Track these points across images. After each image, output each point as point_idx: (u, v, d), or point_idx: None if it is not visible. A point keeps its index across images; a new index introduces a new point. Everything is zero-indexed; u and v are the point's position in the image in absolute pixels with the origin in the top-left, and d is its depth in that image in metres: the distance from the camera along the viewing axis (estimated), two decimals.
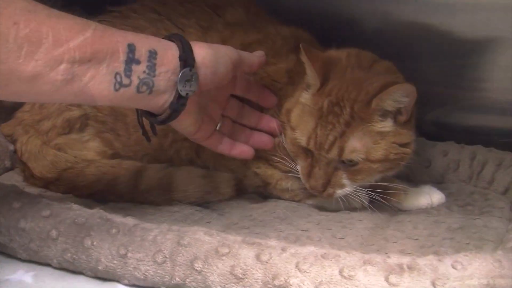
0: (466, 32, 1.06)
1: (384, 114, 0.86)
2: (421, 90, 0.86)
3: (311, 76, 0.89)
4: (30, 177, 1.00)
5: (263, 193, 1.01)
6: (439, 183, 1.04)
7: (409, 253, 0.79)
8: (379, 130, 0.86)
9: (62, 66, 0.67)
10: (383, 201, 0.91)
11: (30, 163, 1.01)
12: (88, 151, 1.02)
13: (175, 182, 0.95)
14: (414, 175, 1.03)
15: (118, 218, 0.76)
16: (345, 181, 0.89)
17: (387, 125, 0.87)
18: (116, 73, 0.72)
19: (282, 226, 0.87)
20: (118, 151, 1.03)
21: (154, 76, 0.75)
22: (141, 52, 0.74)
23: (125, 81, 0.73)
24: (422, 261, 0.65)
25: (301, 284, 0.65)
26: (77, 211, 0.77)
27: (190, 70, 0.77)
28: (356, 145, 0.86)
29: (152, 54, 0.75)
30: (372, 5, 1.09)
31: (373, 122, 0.86)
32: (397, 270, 0.64)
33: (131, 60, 0.73)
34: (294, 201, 0.98)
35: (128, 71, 0.73)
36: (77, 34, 0.68)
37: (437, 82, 1.13)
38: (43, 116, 1.04)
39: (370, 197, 0.91)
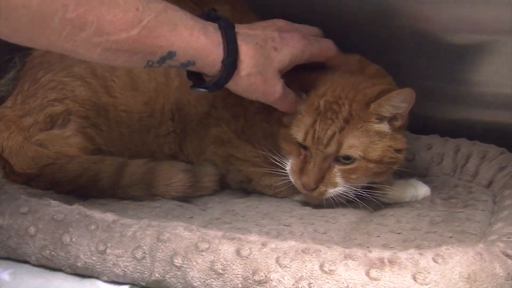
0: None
1: (380, 118, 0.87)
2: (406, 84, 0.86)
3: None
4: (10, 173, 0.99)
5: (246, 189, 1.01)
6: (423, 176, 1.05)
7: (392, 247, 0.79)
8: (377, 130, 0.87)
9: (98, 50, 0.70)
10: (368, 195, 0.90)
11: (11, 159, 0.99)
12: (69, 147, 1.00)
13: (157, 176, 0.95)
14: (398, 169, 1.03)
15: (97, 214, 0.75)
16: (339, 179, 0.89)
17: (384, 127, 0.87)
18: (149, 61, 0.74)
19: (264, 221, 0.87)
20: (100, 147, 1.02)
21: (184, 69, 0.79)
22: (180, 60, 0.75)
23: (156, 65, 0.76)
24: (403, 255, 0.65)
25: (281, 279, 0.64)
26: (56, 207, 0.76)
27: (216, 88, 0.80)
28: (354, 141, 0.86)
29: (190, 63, 0.77)
30: None
31: (371, 122, 0.86)
32: (378, 264, 0.64)
33: (166, 59, 0.75)
34: (277, 197, 0.98)
35: (161, 62, 0.75)
36: (121, 31, 0.69)
37: (422, 76, 1.13)
38: (25, 112, 1.02)
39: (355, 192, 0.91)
